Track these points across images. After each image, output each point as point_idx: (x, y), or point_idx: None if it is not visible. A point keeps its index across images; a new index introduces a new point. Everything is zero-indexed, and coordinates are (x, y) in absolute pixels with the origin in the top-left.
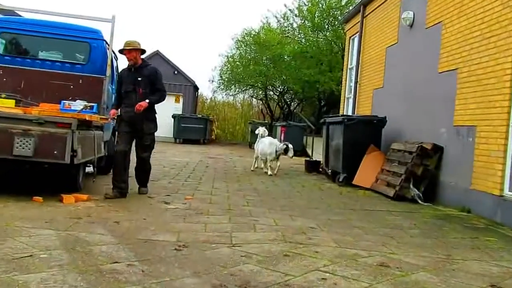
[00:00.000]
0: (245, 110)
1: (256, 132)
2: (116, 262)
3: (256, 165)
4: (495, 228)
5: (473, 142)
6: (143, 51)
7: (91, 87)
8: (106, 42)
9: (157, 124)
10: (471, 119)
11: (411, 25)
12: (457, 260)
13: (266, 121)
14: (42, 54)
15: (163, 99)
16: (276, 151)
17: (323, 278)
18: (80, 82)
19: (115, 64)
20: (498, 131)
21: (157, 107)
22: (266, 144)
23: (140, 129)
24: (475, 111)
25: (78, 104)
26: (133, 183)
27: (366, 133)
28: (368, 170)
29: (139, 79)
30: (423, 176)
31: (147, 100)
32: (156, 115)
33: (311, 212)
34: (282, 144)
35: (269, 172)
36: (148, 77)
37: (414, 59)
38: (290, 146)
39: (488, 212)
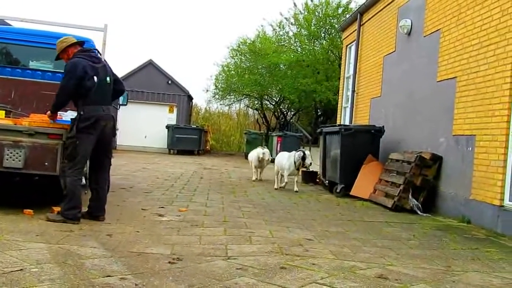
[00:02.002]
0: (241, 120)
1: (260, 155)
2: (109, 276)
3: (255, 177)
4: (496, 239)
5: (472, 152)
6: (78, 43)
7: None
8: (98, 51)
9: (75, 128)
10: (470, 128)
11: (408, 33)
12: (457, 272)
13: (262, 131)
14: (32, 64)
15: (61, 99)
16: (294, 163)
17: None
18: None
19: None
20: (498, 140)
21: (151, 117)
22: (285, 157)
23: None
24: (474, 120)
25: (70, 115)
26: (122, 194)
27: (364, 143)
28: (366, 180)
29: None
30: (422, 186)
31: (50, 110)
32: (80, 116)
33: (308, 224)
34: (298, 152)
35: (296, 189)
36: None
37: (412, 67)
38: (307, 152)
39: (488, 222)
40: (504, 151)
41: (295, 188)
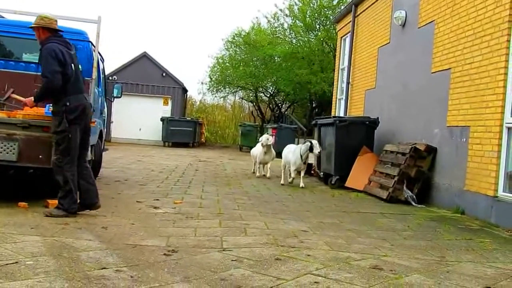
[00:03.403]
0: (236, 112)
1: (262, 141)
2: (104, 268)
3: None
4: (490, 229)
5: (466, 143)
6: (56, 30)
7: None
8: (92, 44)
9: (65, 121)
10: (464, 119)
11: (403, 25)
12: (451, 262)
13: (257, 123)
14: (26, 57)
15: (50, 86)
16: (301, 156)
17: (315, 282)
18: None
19: (101, 66)
20: (492, 131)
21: (146, 110)
22: (291, 150)
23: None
24: (469, 111)
25: None
26: (117, 186)
27: (359, 134)
28: (361, 172)
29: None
30: (417, 177)
31: (33, 97)
32: (67, 107)
33: (303, 215)
34: (304, 144)
35: (301, 184)
36: (40, 60)
37: (407, 59)
38: (314, 141)
39: (482, 213)
40: (498, 142)
41: (301, 184)
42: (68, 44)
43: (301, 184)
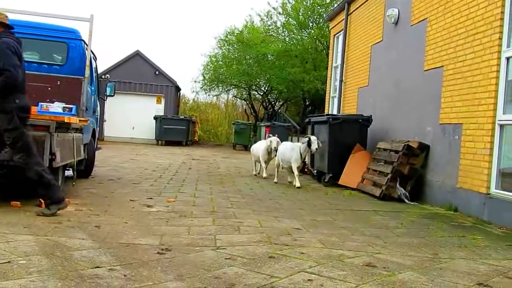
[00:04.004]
0: (229, 110)
1: (273, 145)
2: (97, 267)
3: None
4: (482, 226)
5: (459, 140)
6: (6, 25)
7: (69, 88)
8: (84, 42)
9: (16, 118)
10: (457, 117)
11: (396, 23)
12: (444, 259)
13: (251, 122)
14: None
15: (11, 81)
16: (301, 154)
17: (309, 280)
18: (58, 83)
19: (94, 65)
20: (484, 128)
21: (139, 108)
22: (288, 148)
23: None
24: (461, 109)
25: (56, 106)
26: (110, 185)
27: (352, 132)
28: (354, 170)
29: None
30: (410, 175)
31: None
32: (16, 104)
33: (296, 213)
34: (303, 141)
35: (297, 184)
36: None
37: (400, 57)
38: (313, 137)
39: (475, 210)
40: (491, 139)
41: (297, 184)
42: (19, 41)
43: (297, 184)
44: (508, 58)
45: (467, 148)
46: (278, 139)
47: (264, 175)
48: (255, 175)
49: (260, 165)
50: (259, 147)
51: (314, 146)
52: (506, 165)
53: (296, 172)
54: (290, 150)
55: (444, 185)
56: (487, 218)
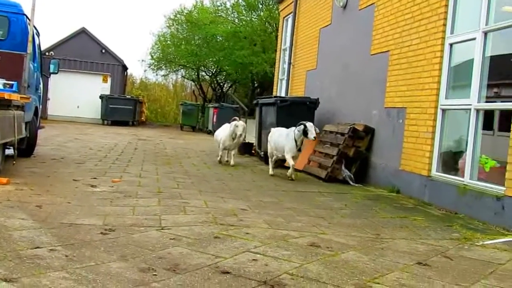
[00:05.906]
0: (177, 91)
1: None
2: (38, 247)
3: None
4: (423, 208)
5: (403, 124)
6: None
7: (10, 64)
8: (27, 17)
9: None
10: (401, 101)
11: (344, 6)
12: (386, 239)
13: (199, 103)
14: None
15: None
16: (295, 141)
17: (253, 259)
18: None
19: (36, 41)
20: (427, 112)
21: (84, 87)
22: (283, 135)
23: None
24: (406, 93)
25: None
26: (53, 164)
27: (299, 114)
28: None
29: None
30: (355, 157)
31: None
32: None
33: (242, 194)
34: (297, 128)
35: (232, 162)
36: None
37: (347, 40)
38: (309, 124)
39: (416, 192)
40: (433, 124)
41: (291, 175)
42: None
43: (232, 162)
44: (451, 44)
45: (410, 132)
46: (244, 124)
47: (232, 162)
48: (220, 162)
49: (227, 152)
50: (222, 132)
51: (312, 135)
52: (446, 149)
53: (291, 162)
54: (286, 137)
55: (387, 167)
56: (428, 199)
